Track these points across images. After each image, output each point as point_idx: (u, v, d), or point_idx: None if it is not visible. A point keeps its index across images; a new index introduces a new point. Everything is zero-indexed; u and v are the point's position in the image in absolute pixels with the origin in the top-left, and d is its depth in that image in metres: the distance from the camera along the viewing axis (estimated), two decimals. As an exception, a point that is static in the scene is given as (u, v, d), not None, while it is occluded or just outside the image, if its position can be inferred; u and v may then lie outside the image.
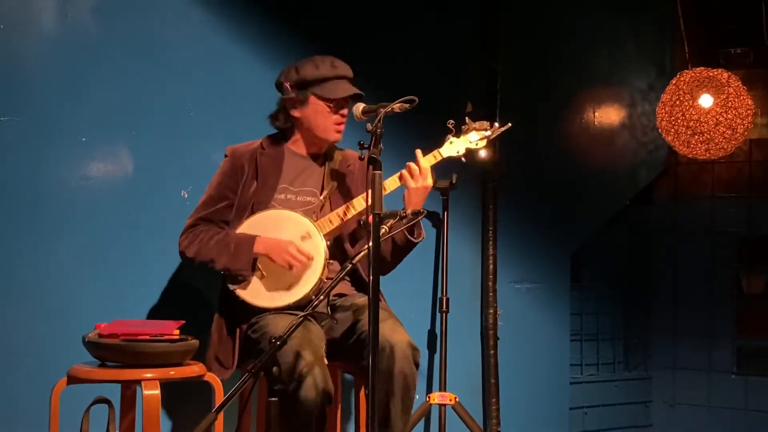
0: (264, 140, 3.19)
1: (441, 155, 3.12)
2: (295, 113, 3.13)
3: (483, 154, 3.22)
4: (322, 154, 3.21)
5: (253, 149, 3.16)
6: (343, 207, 3.07)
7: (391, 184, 3.07)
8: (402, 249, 3.13)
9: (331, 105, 3.08)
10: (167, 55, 3.49)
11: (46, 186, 3.25)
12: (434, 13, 4.21)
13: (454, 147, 3.14)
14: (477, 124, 3.15)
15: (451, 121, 3.12)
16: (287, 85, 3.11)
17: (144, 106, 3.42)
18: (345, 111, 3.09)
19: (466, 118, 3.17)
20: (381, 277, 3.16)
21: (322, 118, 3.10)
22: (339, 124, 3.11)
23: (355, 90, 3.08)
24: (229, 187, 3.11)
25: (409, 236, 3.08)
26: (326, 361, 2.83)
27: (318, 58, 3.11)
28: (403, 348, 2.84)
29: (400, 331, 2.89)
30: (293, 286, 3.00)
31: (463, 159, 3.17)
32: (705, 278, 5.03)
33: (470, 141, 3.15)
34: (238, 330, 3.04)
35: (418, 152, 3.08)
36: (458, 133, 3.14)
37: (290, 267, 2.97)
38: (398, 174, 3.08)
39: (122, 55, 3.38)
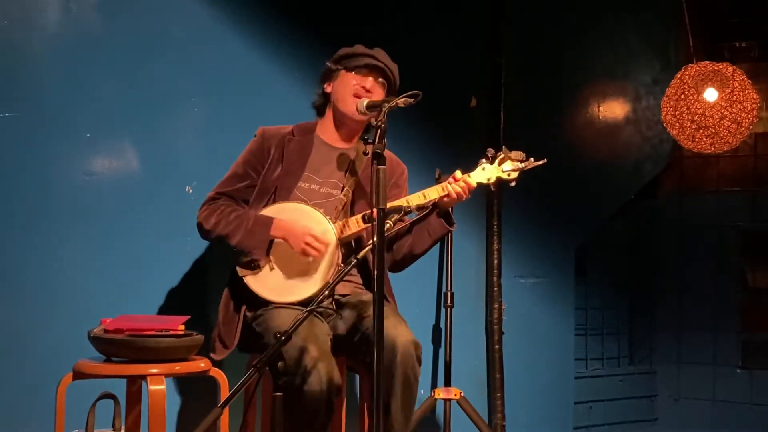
0: (296, 127, 3.20)
1: (471, 179, 3.07)
2: (328, 88, 3.17)
3: (513, 185, 3.15)
4: (351, 147, 3.20)
5: (284, 134, 3.16)
6: (353, 218, 3.06)
7: (432, 193, 3.05)
8: (438, 239, 3.16)
9: (354, 74, 3.09)
10: (171, 50, 3.48)
11: (50, 182, 3.25)
12: (438, 7, 4.21)
13: (485, 174, 3.09)
14: (513, 154, 3.09)
15: (491, 150, 3.10)
16: (328, 63, 3.16)
17: (148, 102, 3.42)
18: (369, 83, 3.07)
19: (503, 146, 3.13)
20: (388, 275, 3.21)
21: (344, 88, 3.10)
22: (359, 97, 3.06)
23: (378, 63, 3.08)
24: (253, 167, 3.11)
25: (447, 225, 3.11)
26: (332, 356, 2.82)
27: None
28: (405, 345, 2.84)
29: (403, 328, 2.89)
30: (301, 285, 3.00)
31: (492, 187, 3.16)
32: (710, 272, 5.03)
33: (503, 171, 3.11)
34: (243, 309, 3.03)
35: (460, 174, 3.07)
36: (492, 160, 3.10)
37: (305, 254, 2.97)
38: (441, 186, 3.05)
39: (126, 51, 3.38)
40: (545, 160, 3.12)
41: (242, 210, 3.06)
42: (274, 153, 3.11)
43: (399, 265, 3.22)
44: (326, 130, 3.18)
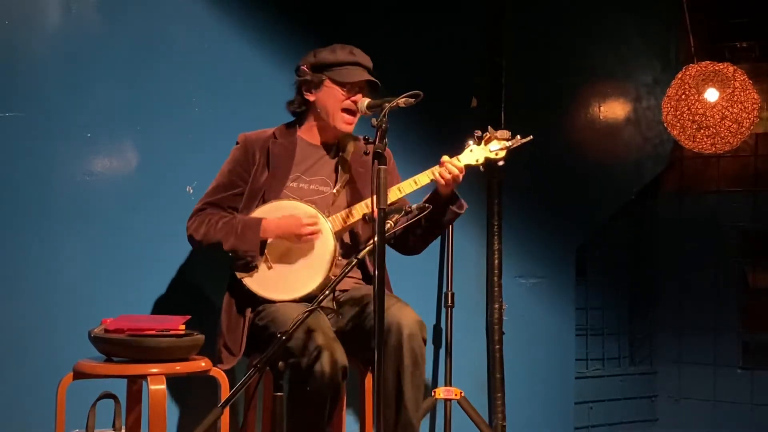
0: (277, 129, 3.19)
1: (460, 162, 3.07)
2: (310, 96, 3.14)
3: (501, 164, 3.16)
4: (335, 144, 3.20)
5: (266, 137, 3.16)
6: (357, 205, 3.07)
7: (423, 179, 3.06)
8: (449, 222, 3.16)
9: (344, 90, 3.08)
10: (172, 50, 3.49)
11: (50, 182, 3.25)
12: (438, 7, 4.21)
13: (473, 155, 3.09)
14: (499, 134, 3.10)
15: (478, 131, 3.10)
16: (304, 67, 3.12)
17: (149, 102, 3.42)
18: (358, 98, 3.06)
19: (489, 126, 3.13)
20: (388, 271, 3.20)
21: (333, 102, 3.09)
22: (350, 110, 3.07)
23: (368, 76, 3.07)
24: (240, 175, 3.11)
25: (455, 209, 3.09)
26: (337, 340, 2.82)
27: (338, 45, 3.12)
28: (410, 325, 2.86)
29: (408, 310, 2.91)
30: (301, 280, 3.00)
31: (481, 168, 3.15)
32: (710, 273, 5.02)
33: (490, 150, 3.10)
34: (246, 313, 3.03)
35: (447, 158, 3.06)
36: (479, 141, 3.11)
37: (307, 239, 2.97)
38: (431, 170, 3.05)
39: (127, 51, 3.38)
40: (531, 137, 3.13)
41: (230, 216, 3.06)
42: (260, 157, 3.11)
43: (412, 250, 3.22)
44: (309, 133, 3.19)
